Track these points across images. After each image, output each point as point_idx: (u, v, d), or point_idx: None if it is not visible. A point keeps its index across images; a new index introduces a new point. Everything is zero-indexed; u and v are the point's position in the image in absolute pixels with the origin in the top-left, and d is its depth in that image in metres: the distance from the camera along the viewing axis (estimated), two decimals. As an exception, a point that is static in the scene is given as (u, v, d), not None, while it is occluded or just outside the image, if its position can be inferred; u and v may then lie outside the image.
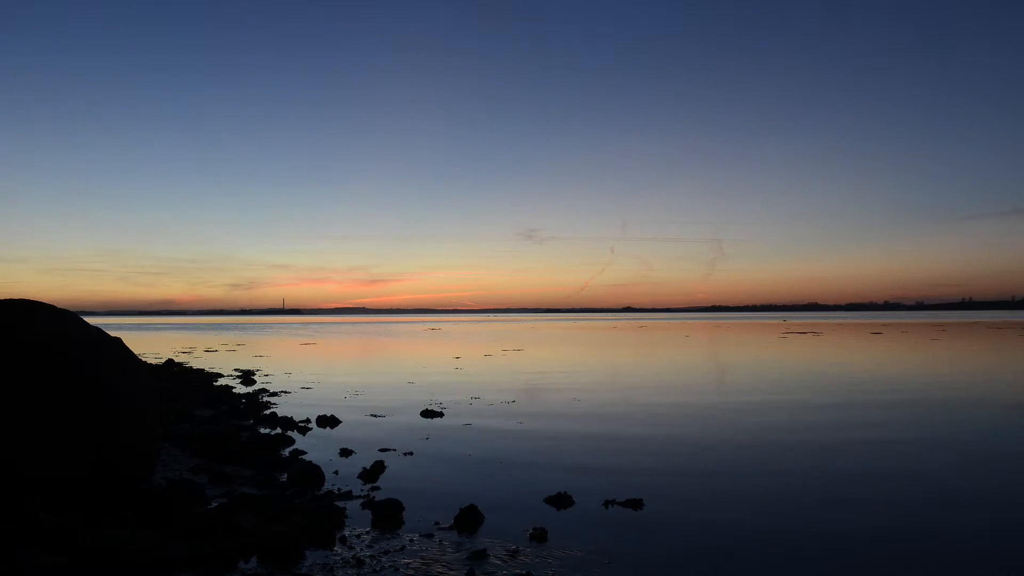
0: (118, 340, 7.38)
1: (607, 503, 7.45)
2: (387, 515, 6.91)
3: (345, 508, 7.10)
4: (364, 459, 9.60)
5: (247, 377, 22.49)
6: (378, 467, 9.03)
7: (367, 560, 5.73)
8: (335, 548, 6.03)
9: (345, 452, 10.21)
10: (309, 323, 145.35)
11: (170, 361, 28.22)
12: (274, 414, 13.83)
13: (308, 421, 13.14)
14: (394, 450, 10.32)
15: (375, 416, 13.84)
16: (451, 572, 5.51)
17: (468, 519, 6.75)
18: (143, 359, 24.55)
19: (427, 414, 13.89)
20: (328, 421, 13.07)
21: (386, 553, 5.91)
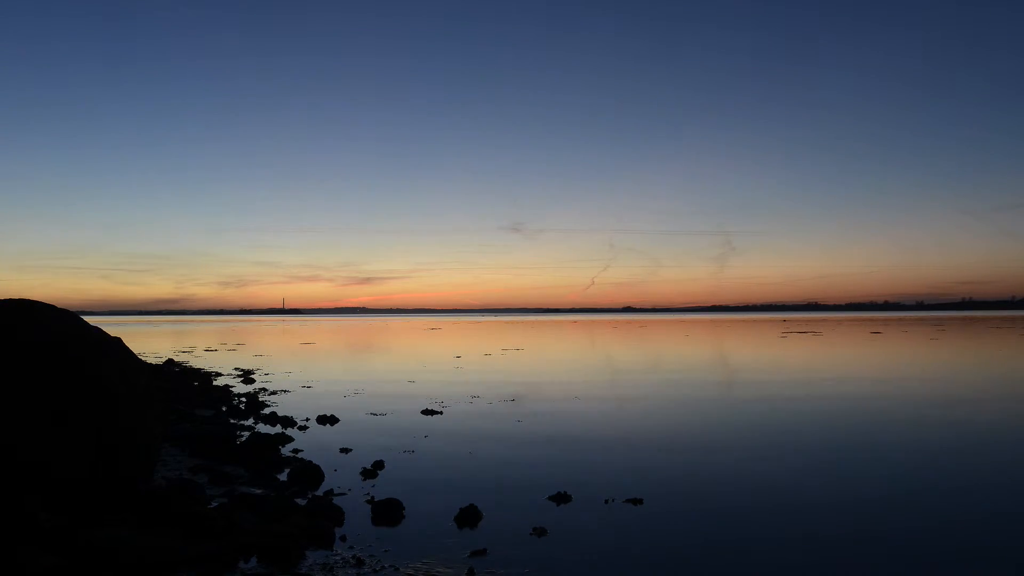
0: (118, 340, 7.37)
1: (607, 501, 7.45)
2: (387, 514, 6.91)
3: (345, 507, 7.10)
4: (364, 458, 9.60)
5: (247, 377, 22.49)
6: (378, 466, 9.04)
7: (367, 559, 5.73)
8: (335, 547, 6.03)
9: (345, 451, 10.21)
10: (308, 322, 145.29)
11: (170, 361, 28.24)
12: (274, 413, 13.82)
13: (308, 420, 13.14)
14: (394, 449, 10.33)
15: (375, 415, 13.84)
16: (451, 570, 5.51)
17: (468, 517, 6.76)
18: (142, 359, 24.54)
19: (427, 413, 13.90)
20: (328, 420, 13.07)
21: (386, 552, 5.91)
